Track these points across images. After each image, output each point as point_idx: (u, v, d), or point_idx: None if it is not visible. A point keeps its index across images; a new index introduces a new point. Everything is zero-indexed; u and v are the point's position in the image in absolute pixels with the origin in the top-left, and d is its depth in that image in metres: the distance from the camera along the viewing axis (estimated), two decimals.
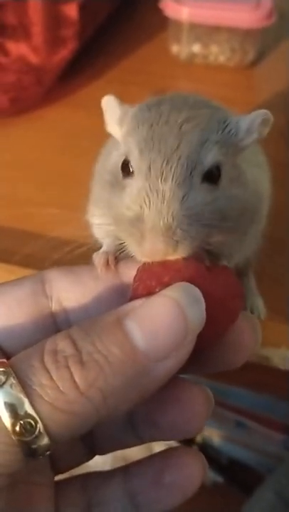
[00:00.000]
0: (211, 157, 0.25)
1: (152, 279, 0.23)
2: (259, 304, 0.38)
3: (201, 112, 0.27)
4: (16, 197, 0.46)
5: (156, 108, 0.27)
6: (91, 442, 0.28)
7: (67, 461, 0.28)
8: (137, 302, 0.22)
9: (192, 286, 0.22)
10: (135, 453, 0.34)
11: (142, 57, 0.62)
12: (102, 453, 0.29)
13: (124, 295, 0.25)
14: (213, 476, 0.83)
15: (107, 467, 0.30)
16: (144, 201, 0.24)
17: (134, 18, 0.67)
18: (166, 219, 0.24)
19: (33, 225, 0.42)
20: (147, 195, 0.24)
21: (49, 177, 0.48)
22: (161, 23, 0.61)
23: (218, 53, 0.61)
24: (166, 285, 0.22)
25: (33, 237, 0.41)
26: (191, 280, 0.23)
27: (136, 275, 0.24)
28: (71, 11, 0.53)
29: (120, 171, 0.27)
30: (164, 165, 0.24)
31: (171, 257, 0.24)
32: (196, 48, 0.61)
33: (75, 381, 0.20)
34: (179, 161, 0.25)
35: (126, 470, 0.28)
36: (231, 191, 0.26)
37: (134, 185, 0.25)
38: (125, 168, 0.26)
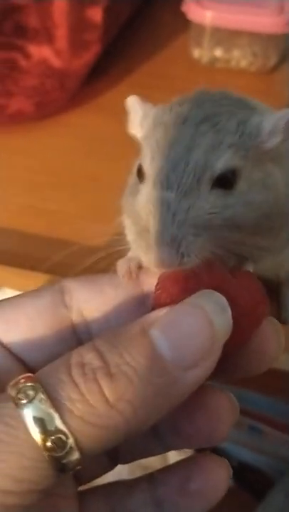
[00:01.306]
0: (223, 162, 0.24)
1: (175, 287, 0.23)
2: None
3: (222, 110, 0.25)
4: (44, 204, 0.46)
5: (177, 108, 0.26)
6: (115, 452, 0.28)
7: (91, 472, 0.28)
8: (162, 311, 0.22)
9: (216, 292, 0.22)
10: (151, 461, 0.34)
11: (163, 61, 0.62)
12: (125, 462, 0.29)
13: (145, 304, 0.25)
14: None
15: (124, 475, 0.29)
16: (150, 211, 0.24)
17: (154, 21, 0.66)
18: (171, 230, 0.23)
19: (64, 233, 0.42)
20: (153, 205, 0.24)
21: (77, 183, 0.47)
22: (182, 26, 0.61)
23: (240, 58, 0.60)
24: (190, 292, 0.22)
25: (62, 245, 0.41)
26: (214, 287, 0.22)
27: (157, 283, 0.24)
28: (95, 14, 0.53)
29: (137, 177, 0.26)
30: (171, 172, 0.24)
31: (183, 267, 0.23)
32: (218, 52, 0.60)
33: (104, 394, 0.19)
34: (186, 168, 0.24)
35: (150, 478, 0.27)
36: (251, 196, 0.25)
37: (144, 193, 0.25)
38: (140, 173, 0.26)
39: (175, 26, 0.63)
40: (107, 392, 0.19)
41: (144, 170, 0.25)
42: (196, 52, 0.61)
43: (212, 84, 0.60)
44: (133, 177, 0.27)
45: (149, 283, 0.25)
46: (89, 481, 0.28)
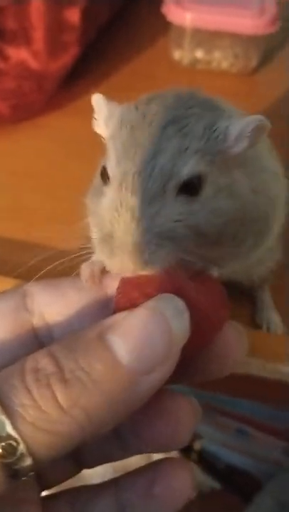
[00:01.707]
0: (189, 168, 0.24)
1: (135, 291, 0.23)
2: (274, 318, 0.37)
3: (189, 113, 0.25)
4: (21, 207, 0.45)
5: (144, 107, 0.25)
6: (77, 456, 0.28)
7: (54, 476, 0.28)
8: (120, 315, 0.21)
9: (176, 297, 0.22)
10: (135, 462, 0.34)
11: (143, 63, 0.62)
12: (89, 467, 0.28)
13: (108, 307, 0.24)
14: (211, 483, 0.82)
15: (108, 477, 0.29)
16: (114, 216, 0.23)
17: (135, 23, 0.66)
18: (135, 237, 0.23)
19: (41, 236, 0.41)
20: (117, 211, 0.23)
21: (54, 185, 0.47)
22: (163, 28, 0.60)
23: (221, 59, 0.60)
24: (149, 296, 0.22)
25: (40, 249, 0.41)
26: (174, 291, 0.22)
27: (118, 287, 0.24)
28: (73, 15, 0.52)
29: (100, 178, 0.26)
30: (136, 177, 0.23)
31: (143, 273, 0.23)
32: (199, 53, 0.60)
33: (57, 400, 0.19)
34: (152, 173, 0.23)
35: (116, 482, 0.27)
36: (216, 203, 0.25)
37: (108, 197, 0.24)
38: (104, 175, 0.25)
39: (156, 28, 0.62)
40: (60, 398, 0.19)
41: (108, 172, 0.24)
42: (177, 54, 0.61)
43: (193, 85, 0.59)
44: (98, 177, 0.27)
45: (113, 286, 0.25)
46: (53, 486, 0.28)
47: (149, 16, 0.63)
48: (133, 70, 0.61)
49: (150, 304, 0.21)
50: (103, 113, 0.27)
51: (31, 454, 0.19)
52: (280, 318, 0.38)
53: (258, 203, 0.27)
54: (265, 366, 0.36)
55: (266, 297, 0.38)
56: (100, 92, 0.55)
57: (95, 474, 0.30)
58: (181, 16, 0.57)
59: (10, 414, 0.19)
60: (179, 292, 0.22)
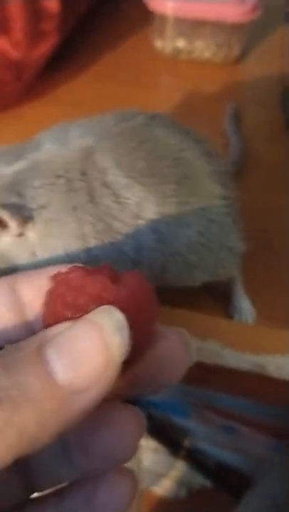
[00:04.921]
0: None
1: (57, 302, 0.22)
2: (247, 307, 0.37)
3: None
4: None
5: None
6: (27, 479, 0.27)
7: (5, 500, 0.27)
8: (59, 327, 0.21)
9: (116, 310, 0.21)
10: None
11: (125, 52, 0.61)
12: (40, 490, 0.28)
13: (22, 313, 0.25)
14: (201, 480, 0.82)
15: None
16: None
17: (116, 11, 0.65)
18: None
19: None
20: None
21: None
22: (145, 16, 0.59)
23: (204, 49, 0.59)
24: (72, 306, 0.21)
25: None
26: (97, 297, 0.21)
27: (44, 300, 0.23)
28: (51, 3, 0.51)
29: None
30: None
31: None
32: (181, 43, 0.59)
33: None
34: None
35: (59, 493, 0.26)
36: None
37: None
38: None
39: (137, 17, 0.62)
40: None
41: None
42: (159, 43, 0.60)
43: (175, 75, 0.59)
44: None
45: (23, 291, 0.25)
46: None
47: (131, 4, 0.62)
48: (114, 59, 0.60)
49: (90, 316, 0.21)
50: None
51: None
52: (252, 307, 0.37)
53: None
54: (246, 358, 0.36)
55: (237, 287, 0.38)
56: (81, 81, 0.54)
57: None
58: (162, 4, 0.56)
59: None
60: (101, 297, 0.21)
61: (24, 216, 0.30)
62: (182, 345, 0.24)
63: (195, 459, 0.82)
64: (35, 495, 0.28)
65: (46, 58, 0.53)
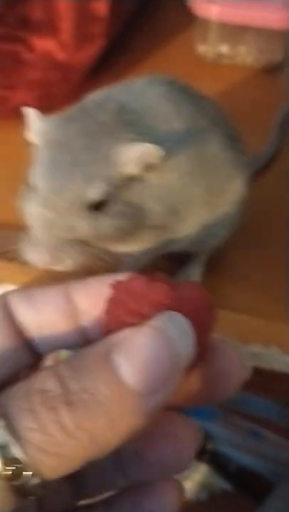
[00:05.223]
0: (95, 192, 0.28)
1: (120, 309, 0.22)
2: (195, 271, 0.39)
3: (98, 140, 0.29)
4: None
5: (67, 126, 0.30)
6: (78, 485, 0.28)
7: (53, 505, 0.27)
8: (125, 333, 0.21)
9: (180, 315, 0.21)
10: None
11: (167, 56, 0.61)
12: (90, 496, 0.28)
13: (77, 320, 0.26)
14: (222, 484, 0.82)
15: None
16: (36, 224, 0.29)
17: (159, 16, 0.66)
18: (49, 240, 0.28)
19: None
20: (37, 220, 0.29)
21: None
22: (188, 21, 0.60)
23: (246, 54, 0.60)
24: (135, 313, 0.22)
25: None
26: (159, 304, 0.22)
27: (104, 308, 0.23)
28: (101, 7, 0.52)
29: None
30: (53, 195, 0.28)
31: (57, 268, 0.29)
32: (224, 48, 0.60)
33: (62, 423, 0.19)
34: (66, 194, 0.28)
35: (106, 501, 0.27)
36: (118, 215, 0.29)
37: (32, 205, 0.29)
38: (31, 184, 0.30)
39: (180, 21, 0.62)
40: (65, 420, 0.19)
41: (33, 183, 0.29)
42: (201, 48, 0.61)
43: (217, 80, 0.60)
44: (28, 181, 0.30)
45: (79, 299, 0.26)
46: None
47: (174, 9, 0.63)
48: (157, 63, 0.60)
49: (155, 322, 0.21)
50: (34, 127, 0.31)
51: (38, 475, 0.19)
52: (200, 277, 0.38)
53: (157, 211, 0.31)
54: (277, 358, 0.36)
55: (201, 257, 0.39)
56: None
57: None
58: (207, 9, 0.57)
59: (17, 437, 0.19)
60: (163, 303, 0.22)
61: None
62: (238, 359, 0.24)
63: (217, 463, 0.82)
64: (82, 502, 0.29)
65: (93, 61, 0.54)
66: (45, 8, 0.52)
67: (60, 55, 0.53)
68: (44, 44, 0.54)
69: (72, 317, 0.26)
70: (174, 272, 0.38)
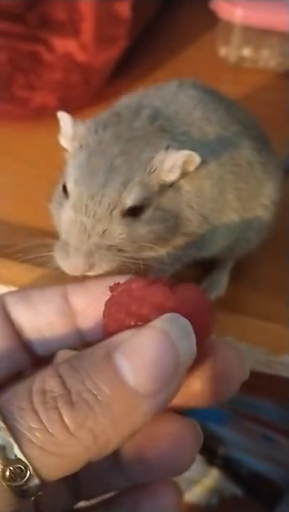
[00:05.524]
0: (132, 198, 0.28)
1: (121, 311, 0.22)
2: (223, 282, 0.38)
3: (134, 146, 0.29)
4: None
5: (101, 131, 0.30)
6: (76, 487, 0.28)
7: (51, 507, 0.28)
8: (126, 334, 0.21)
9: (181, 317, 0.21)
10: None
11: (188, 59, 0.61)
12: (88, 498, 0.28)
13: (74, 321, 0.26)
14: (233, 489, 0.82)
15: None
16: (69, 229, 0.28)
17: (181, 18, 0.65)
18: (85, 246, 0.27)
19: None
20: (72, 225, 0.28)
21: None
22: (210, 23, 0.59)
23: (269, 58, 0.59)
24: (136, 315, 0.22)
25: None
26: (159, 306, 0.22)
27: (104, 310, 0.24)
28: (123, 9, 0.51)
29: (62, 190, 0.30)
30: (90, 201, 0.28)
31: (90, 273, 0.28)
32: (246, 51, 0.59)
33: (64, 422, 0.19)
34: (102, 199, 0.27)
35: (107, 502, 0.27)
36: (154, 221, 0.29)
37: (65, 211, 0.28)
38: (64, 189, 0.29)
39: (202, 23, 0.61)
40: (67, 420, 0.19)
41: (67, 188, 0.29)
42: (223, 51, 0.60)
43: (239, 83, 0.59)
44: (60, 188, 0.30)
45: (76, 301, 0.27)
46: None
47: (197, 11, 0.62)
48: (179, 65, 0.60)
49: (157, 323, 0.21)
50: (68, 132, 0.31)
51: (38, 475, 0.19)
52: (226, 284, 0.38)
53: (190, 218, 0.31)
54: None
55: (227, 264, 0.38)
56: (146, 87, 0.54)
57: None
58: (231, 12, 0.56)
59: (17, 438, 0.19)
60: (163, 306, 0.22)
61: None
62: (239, 360, 0.24)
63: (229, 468, 0.82)
64: (81, 504, 0.29)
65: (114, 63, 0.53)
66: (67, 8, 0.52)
67: (81, 57, 0.53)
68: (65, 45, 0.53)
69: (70, 318, 0.26)
70: (200, 279, 0.38)
